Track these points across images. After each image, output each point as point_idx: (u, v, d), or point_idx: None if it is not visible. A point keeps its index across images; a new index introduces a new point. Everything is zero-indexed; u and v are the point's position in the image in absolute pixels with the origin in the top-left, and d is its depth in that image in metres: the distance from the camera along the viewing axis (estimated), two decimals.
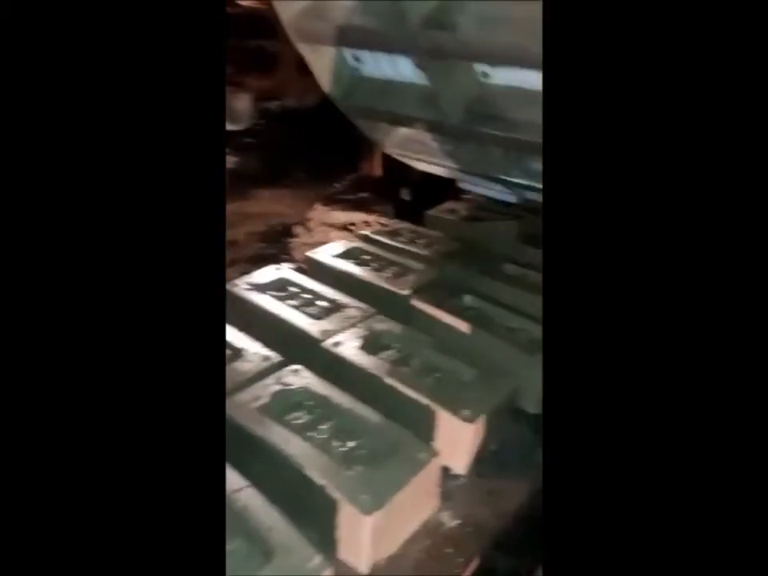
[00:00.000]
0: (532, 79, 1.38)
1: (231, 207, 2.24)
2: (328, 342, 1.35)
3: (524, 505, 1.14)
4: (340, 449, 1.06)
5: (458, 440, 1.17)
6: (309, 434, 1.09)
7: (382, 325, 1.43)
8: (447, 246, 1.96)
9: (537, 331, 1.45)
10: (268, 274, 1.66)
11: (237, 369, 1.23)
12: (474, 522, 1.09)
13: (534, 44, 1.16)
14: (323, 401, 1.16)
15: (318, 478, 0.97)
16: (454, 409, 1.16)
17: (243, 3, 3.12)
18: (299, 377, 1.21)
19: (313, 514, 0.97)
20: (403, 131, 1.90)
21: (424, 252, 1.91)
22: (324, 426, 1.11)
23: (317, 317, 1.46)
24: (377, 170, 3.08)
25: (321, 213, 2.83)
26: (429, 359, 1.33)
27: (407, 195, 2.82)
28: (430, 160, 1.97)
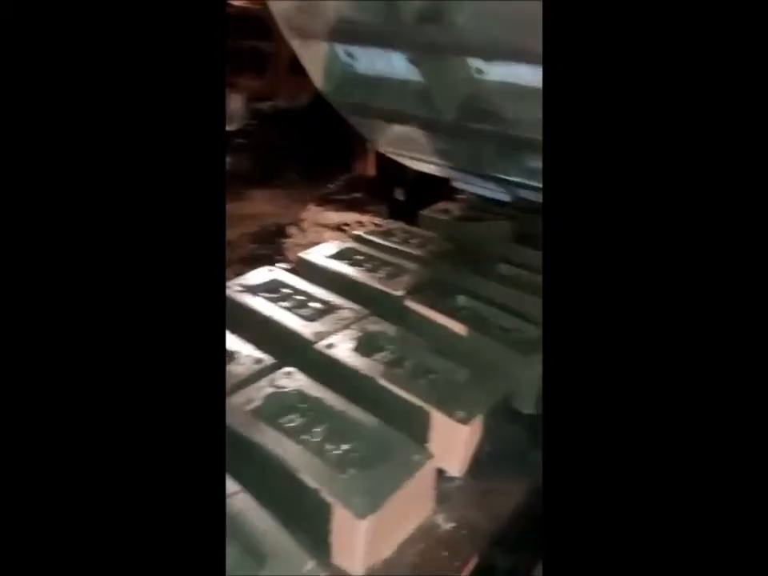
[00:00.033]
0: (526, 75, 1.37)
1: None
2: (321, 344, 1.34)
3: (520, 506, 1.14)
4: (334, 452, 1.05)
5: (452, 442, 1.16)
6: (302, 437, 1.08)
7: (376, 326, 1.42)
8: (441, 246, 1.95)
9: (531, 331, 1.44)
10: (261, 275, 1.65)
11: (229, 371, 1.22)
12: (469, 525, 1.08)
13: (529, 38, 1.16)
14: (317, 403, 1.15)
15: (312, 482, 0.96)
16: (449, 410, 1.15)
17: (235, 3, 3.11)
18: (292, 379, 1.20)
19: (306, 518, 0.96)
20: (396, 129, 1.89)
21: (418, 252, 1.90)
22: (318, 429, 1.10)
23: (310, 318, 1.45)
24: (370, 170, 3.08)
25: (314, 213, 2.82)
26: (423, 360, 1.32)
27: (401, 195, 2.82)
28: (423, 158, 1.97)
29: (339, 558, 0.97)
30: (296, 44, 1.70)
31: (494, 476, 1.19)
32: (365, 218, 2.72)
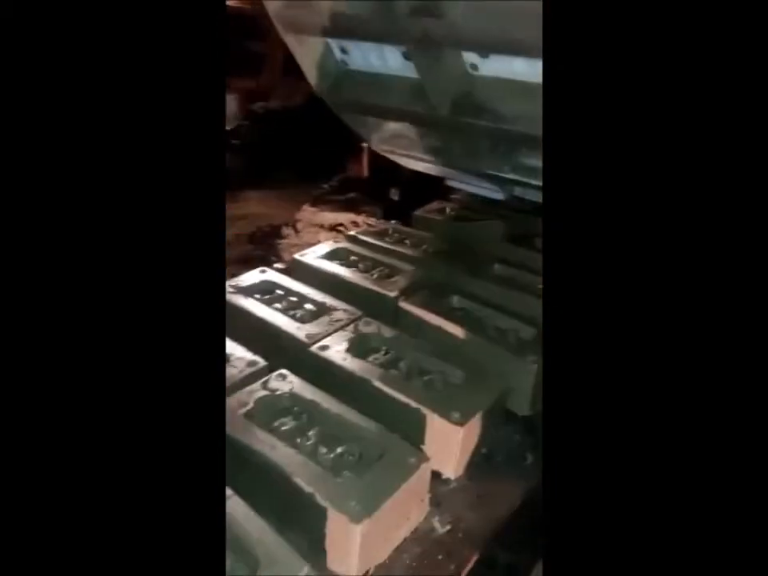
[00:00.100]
0: (521, 71, 1.37)
1: None
2: (315, 346, 1.33)
3: (516, 507, 1.13)
4: (328, 455, 1.04)
5: (447, 444, 1.15)
6: (296, 440, 1.07)
7: (370, 327, 1.41)
8: (435, 247, 1.95)
9: (526, 332, 1.44)
10: (254, 276, 1.64)
11: None
12: (465, 527, 1.07)
13: (524, 33, 1.16)
14: (310, 406, 1.14)
15: (306, 486, 0.95)
16: (444, 412, 1.14)
17: (229, 3, 3.10)
18: (286, 382, 1.19)
19: (301, 522, 0.95)
20: (391, 126, 1.89)
21: (412, 253, 1.89)
22: (311, 432, 1.09)
23: (303, 320, 1.44)
24: (365, 170, 3.07)
25: (309, 214, 2.82)
26: (417, 362, 1.31)
27: (395, 195, 2.81)
28: (417, 156, 1.96)
29: (334, 562, 0.96)
30: (290, 40, 1.69)
31: (489, 478, 1.18)
32: (359, 219, 2.72)
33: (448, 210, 2.30)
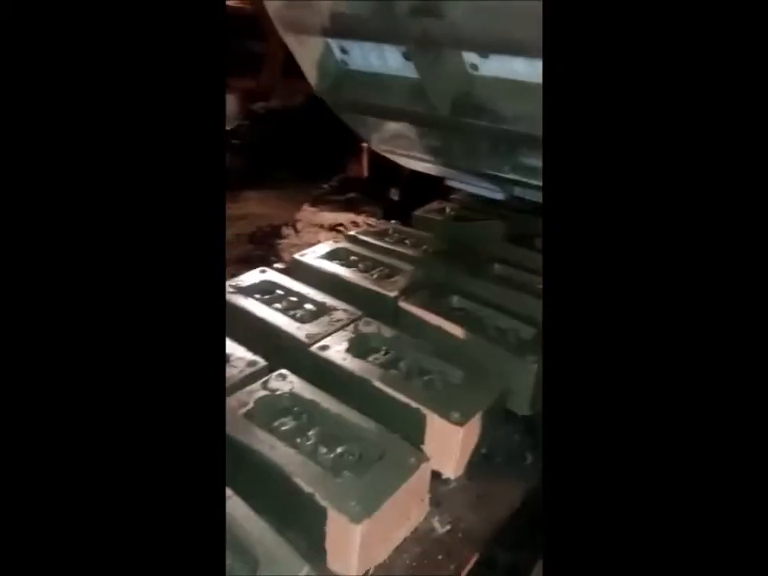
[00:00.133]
0: (521, 71, 1.37)
1: None
2: (315, 346, 1.33)
3: (516, 507, 1.13)
4: (328, 455, 1.04)
5: (447, 443, 1.15)
6: (296, 440, 1.07)
7: (370, 327, 1.41)
8: (435, 247, 1.95)
9: (526, 332, 1.44)
10: (254, 276, 1.64)
11: None
12: (464, 528, 1.07)
13: (524, 32, 1.16)
14: (310, 406, 1.14)
15: (306, 486, 0.95)
16: (444, 412, 1.14)
17: (228, 3, 3.10)
18: (286, 382, 1.19)
19: (300, 522, 0.95)
20: (391, 126, 1.89)
21: (412, 253, 1.89)
22: (311, 432, 1.09)
23: (303, 320, 1.44)
24: (365, 170, 3.07)
25: (309, 214, 2.82)
26: (417, 362, 1.31)
27: (395, 195, 2.81)
28: (417, 156, 1.96)
29: (334, 562, 0.96)
30: (290, 40, 1.69)
31: (489, 478, 1.18)
32: (359, 219, 2.72)
33: (448, 210, 2.30)
